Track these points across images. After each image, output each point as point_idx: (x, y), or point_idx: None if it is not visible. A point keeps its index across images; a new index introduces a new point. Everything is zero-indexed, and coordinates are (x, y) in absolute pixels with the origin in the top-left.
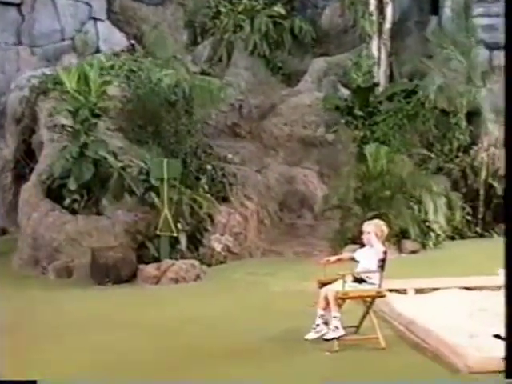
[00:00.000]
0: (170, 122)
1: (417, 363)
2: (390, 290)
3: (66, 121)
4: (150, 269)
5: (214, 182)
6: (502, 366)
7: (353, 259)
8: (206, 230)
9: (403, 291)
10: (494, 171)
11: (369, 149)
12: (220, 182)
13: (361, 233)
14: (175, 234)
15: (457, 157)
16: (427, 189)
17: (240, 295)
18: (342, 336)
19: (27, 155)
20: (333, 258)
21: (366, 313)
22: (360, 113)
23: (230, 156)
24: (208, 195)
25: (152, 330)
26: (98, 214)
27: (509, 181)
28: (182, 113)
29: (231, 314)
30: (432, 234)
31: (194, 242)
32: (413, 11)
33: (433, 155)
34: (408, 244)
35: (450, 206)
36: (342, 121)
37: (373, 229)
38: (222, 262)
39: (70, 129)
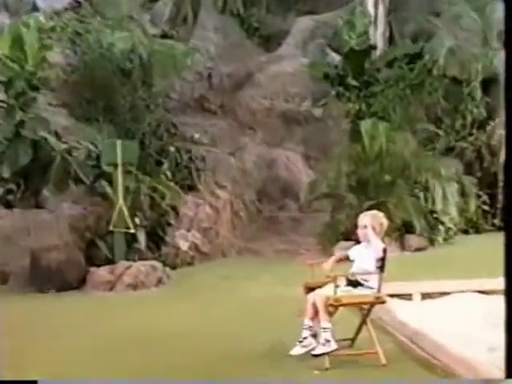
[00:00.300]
0: (124, 94)
1: (426, 381)
2: (392, 295)
3: None
4: (103, 272)
5: (178, 168)
6: None
7: (346, 258)
8: (170, 225)
9: (407, 296)
10: None
11: (364, 125)
12: (186, 168)
13: (355, 227)
14: (132, 231)
15: (470, 134)
16: (435, 173)
17: (211, 304)
18: (333, 351)
19: None
20: (330, 262)
21: (363, 322)
22: (354, 82)
23: (197, 136)
24: (171, 183)
25: (103, 349)
26: (38, 206)
27: (509, 181)
28: (139, 84)
29: (201, 327)
30: (441, 227)
31: (155, 239)
32: None
33: (441, 132)
34: (412, 240)
35: (462, 194)
36: (333, 92)
37: (370, 222)
38: (189, 264)
39: (2, 104)
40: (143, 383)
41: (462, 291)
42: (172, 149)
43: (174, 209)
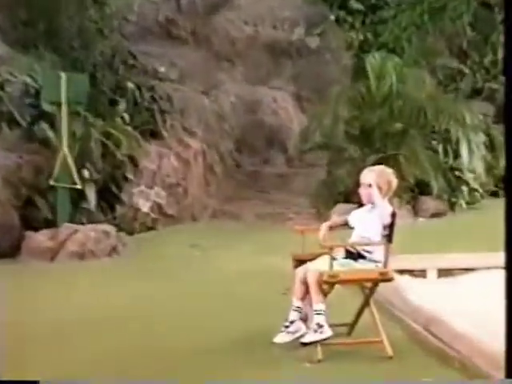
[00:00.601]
0: (70, 15)
1: (439, 378)
2: (401, 272)
3: None
4: (42, 237)
5: (137, 109)
6: None
7: (345, 224)
8: (127, 180)
9: (421, 273)
10: None
11: (371, 60)
12: (147, 110)
13: (357, 185)
14: (79, 186)
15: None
16: (457, 120)
17: (177, 279)
18: (327, 338)
19: None
20: (325, 228)
21: (365, 304)
22: (358, 5)
23: (162, 69)
24: (129, 128)
25: (40, 333)
26: None
27: (509, 181)
28: (89, 1)
29: (163, 309)
30: (464, 188)
31: (108, 197)
32: None
33: (467, 70)
34: (428, 203)
35: (492, 147)
36: (331, 17)
37: (375, 179)
38: (150, 229)
39: None
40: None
41: (488, 267)
42: (130, 85)
43: (133, 160)
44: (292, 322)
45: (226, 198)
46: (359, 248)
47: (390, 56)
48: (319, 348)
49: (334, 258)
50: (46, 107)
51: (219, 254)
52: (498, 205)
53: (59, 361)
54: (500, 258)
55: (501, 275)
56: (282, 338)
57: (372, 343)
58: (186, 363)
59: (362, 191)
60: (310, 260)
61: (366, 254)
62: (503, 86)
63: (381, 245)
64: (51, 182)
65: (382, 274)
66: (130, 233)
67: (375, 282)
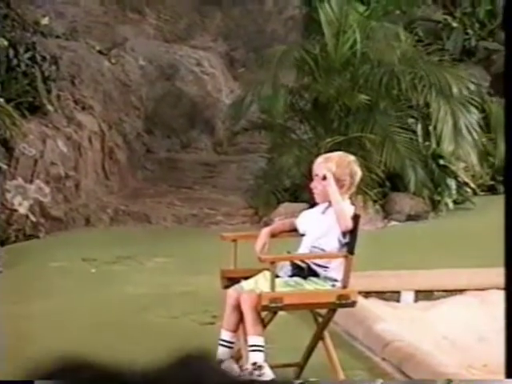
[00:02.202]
0: None
1: None
2: (367, 294)
3: None
4: None
5: (12, 74)
6: None
7: (293, 230)
8: None
9: (393, 295)
10: None
11: (326, 10)
12: (25, 75)
13: (309, 178)
14: None
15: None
16: (441, 91)
17: (63, 303)
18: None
19: None
20: (265, 236)
21: (319, 337)
22: None
23: (45, 21)
24: (1, 100)
25: None
26: None
27: (509, 182)
28: None
29: (42, 343)
30: (451, 181)
31: None
32: None
33: (455, 23)
34: (403, 202)
35: (487, 127)
36: None
37: (333, 170)
38: (29, 236)
39: None
40: None
41: (480, 288)
42: (3, 42)
43: (5, 143)
44: (220, 362)
45: (131, 194)
46: (310, 262)
47: (352, 4)
48: None
49: (276, 276)
50: None
51: (121, 270)
52: (496, 203)
53: None
54: (497, 275)
55: (496, 297)
56: None
57: None
58: None
59: (315, 186)
60: (245, 278)
61: (319, 269)
62: (504, 47)
63: (339, 257)
64: None
65: (340, 296)
66: (2, 242)
67: (332, 308)
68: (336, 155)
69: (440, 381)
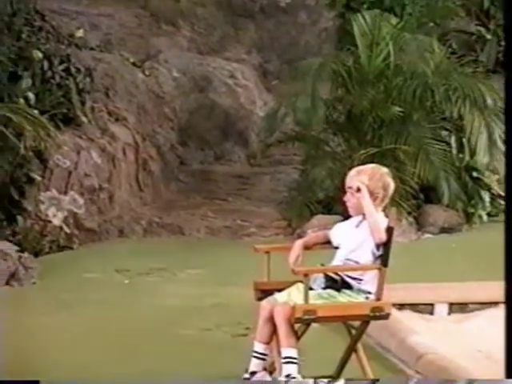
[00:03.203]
0: None
1: None
2: (401, 306)
3: None
4: None
5: (47, 86)
6: None
7: (326, 243)
8: (32, 183)
9: (427, 307)
10: None
11: (360, 22)
12: (59, 87)
13: (342, 190)
14: None
15: None
16: (476, 103)
17: (97, 314)
18: None
19: None
20: (298, 248)
21: (352, 350)
22: None
23: (80, 33)
24: (35, 112)
25: None
26: None
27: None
28: None
29: (78, 355)
30: (485, 194)
31: (7, 205)
32: None
33: (489, 35)
34: (437, 214)
35: None
36: None
37: (366, 183)
38: (63, 248)
39: None
40: None
41: None
42: (37, 54)
43: (40, 155)
44: (253, 374)
45: (165, 206)
46: (344, 274)
47: (385, 16)
48: None
49: (310, 288)
50: None
51: (155, 282)
52: None
53: None
54: None
55: None
56: None
57: None
58: None
59: (349, 198)
60: (279, 290)
61: (352, 282)
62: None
63: (373, 269)
64: None
65: (374, 308)
66: (36, 253)
67: (365, 320)
68: (369, 168)
69: (461, 381)
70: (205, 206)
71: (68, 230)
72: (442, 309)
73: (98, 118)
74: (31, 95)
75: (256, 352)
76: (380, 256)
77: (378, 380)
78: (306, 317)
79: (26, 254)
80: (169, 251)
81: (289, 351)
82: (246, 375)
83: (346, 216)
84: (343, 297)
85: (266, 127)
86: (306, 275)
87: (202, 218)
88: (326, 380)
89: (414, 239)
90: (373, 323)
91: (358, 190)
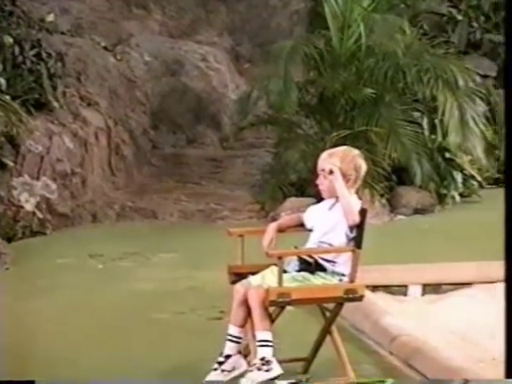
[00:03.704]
0: None
1: None
2: (374, 288)
3: None
4: None
5: (18, 71)
6: None
7: (300, 225)
8: (4, 168)
9: (400, 289)
10: None
11: (331, 3)
12: (31, 72)
13: (315, 173)
14: None
15: None
16: (447, 84)
17: (71, 300)
18: (276, 378)
19: None
20: (272, 231)
21: (326, 332)
22: None
23: (50, 18)
24: (6, 97)
25: None
26: None
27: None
28: None
29: (57, 339)
30: (457, 174)
31: None
32: None
33: (460, 16)
34: (410, 195)
35: (494, 119)
36: None
37: (339, 165)
38: (36, 233)
39: None
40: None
41: (488, 281)
42: (7, 39)
43: (11, 140)
44: (228, 357)
45: (137, 190)
46: (318, 257)
47: None
48: None
49: (284, 271)
50: None
51: (129, 266)
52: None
53: None
54: (503, 268)
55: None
56: (214, 377)
57: None
58: None
59: (321, 181)
60: (252, 273)
61: (326, 264)
62: (504, 41)
63: (346, 252)
64: None
65: (348, 290)
66: (9, 239)
67: (339, 302)
68: (340, 150)
69: (457, 381)
70: (178, 189)
71: (41, 216)
72: (415, 290)
73: (69, 102)
74: (2, 81)
75: (231, 335)
76: (353, 238)
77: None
78: (281, 299)
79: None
80: (142, 235)
81: (263, 334)
82: (221, 358)
83: (319, 199)
84: (317, 279)
85: (239, 110)
86: (279, 258)
87: (175, 202)
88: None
89: (387, 221)
90: (347, 305)
91: (331, 172)
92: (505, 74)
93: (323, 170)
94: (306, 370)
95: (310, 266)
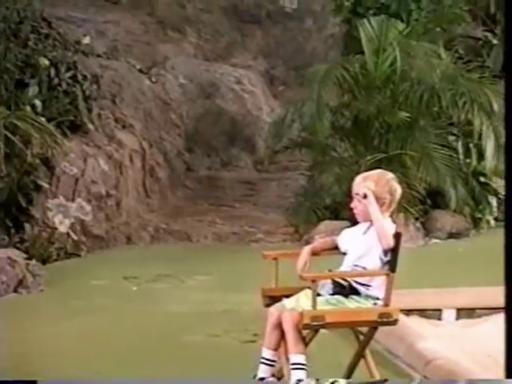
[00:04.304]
0: None
1: None
2: (408, 312)
3: None
4: None
5: (54, 93)
6: None
7: (334, 248)
8: (39, 190)
9: (434, 313)
10: None
11: (367, 28)
12: (66, 94)
13: (349, 196)
14: None
15: None
16: (482, 108)
17: (105, 323)
18: None
19: None
20: (306, 254)
21: (360, 355)
22: None
23: (86, 40)
24: (42, 119)
25: None
26: None
27: (509, 187)
28: None
29: (90, 361)
30: (492, 199)
31: (14, 213)
32: None
33: (495, 40)
34: (444, 219)
35: None
36: None
37: (373, 188)
38: (70, 255)
39: None
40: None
41: None
42: (44, 61)
43: (47, 162)
44: (261, 380)
45: (172, 212)
46: (352, 280)
47: (392, 22)
48: None
49: (318, 294)
50: None
51: (162, 288)
52: None
53: None
54: None
55: None
56: None
57: None
58: None
59: (356, 204)
60: (286, 296)
61: (360, 288)
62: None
63: (381, 275)
64: None
65: (382, 314)
66: (44, 260)
67: (373, 326)
68: (375, 173)
69: (461, 381)
70: (212, 212)
71: (75, 237)
72: (449, 314)
73: (104, 124)
74: (38, 102)
75: (264, 358)
76: (388, 262)
77: (386, 380)
78: (314, 323)
79: (33, 262)
80: (176, 258)
81: (297, 357)
82: (256, 378)
83: (354, 222)
84: (351, 303)
85: (273, 133)
86: (313, 281)
87: (210, 225)
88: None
89: (422, 244)
90: (381, 329)
91: (365, 196)
92: (505, 72)
93: (357, 194)
94: None
95: (344, 289)
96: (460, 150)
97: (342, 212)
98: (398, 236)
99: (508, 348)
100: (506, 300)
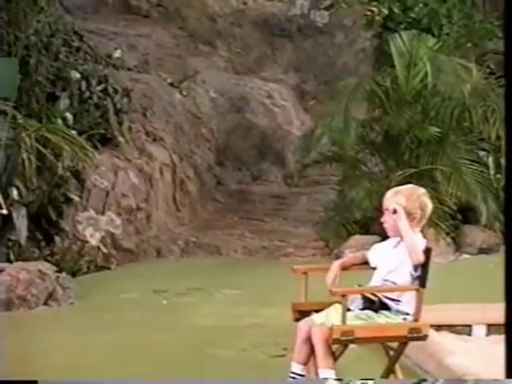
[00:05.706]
0: None
1: None
2: (438, 327)
3: None
4: None
5: (84, 107)
6: None
7: (364, 263)
8: (69, 203)
9: (464, 328)
10: None
11: (398, 42)
12: (97, 107)
13: (380, 211)
14: (4, 211)
15: None
16: None
17: (135, 336)
18: None
19: None
20: (336, 269)
21: (390, 371)
22: None
23: (118, 53)
24: (73, 132)
25: None
26: None
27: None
28: None
29: (120, 374)
30: None
31: (44, 225)
32: None
33: None
34: (475, 234)
35: None
36: None
37: (403, 203)
38: (100, 268)
39: None
40: None
41: None
42: (75, 74)
43: (77, 175)
44: None
45: (202, 226)
46: (382, 295)
47: (423, 37)
48: None
49: (347, 309)
50: None
51: (192, 302)
52: None
53: None
54: None
55: None
56: None
57: None
58: None
59: (386, 219)
60: (316, 311)
61: (390, 303)
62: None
63: (411, 290)
64: None
65: (412, 329)
66: (74, 273)
67: (403, 341)
68: (405, 188)
69: (468, 381)
70: (242, 226)
71: (105, 250)
72: (479, 330)
73: (135, 138)
74: (69, 115)
75: (293, 373)
76: (418, 277)
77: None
78: (344, 338)
79: (63, 274)
80: (206, 271)
81: (327, 372)
82: None
83: (384, 236)
84: (381, 318)
85: (303, 147)
86: (343, 296)
87: (239, 238)
88: None
89: (452, 260)
90: (411, 344)
91: (395, 211)
92: (505, 73)
93: (388, 209)
94: None
95: (374, 304)
96: (491, 165)
97: (372, 227)
98: (428, 251)
99: (508, 348)
100: (505, 300)
